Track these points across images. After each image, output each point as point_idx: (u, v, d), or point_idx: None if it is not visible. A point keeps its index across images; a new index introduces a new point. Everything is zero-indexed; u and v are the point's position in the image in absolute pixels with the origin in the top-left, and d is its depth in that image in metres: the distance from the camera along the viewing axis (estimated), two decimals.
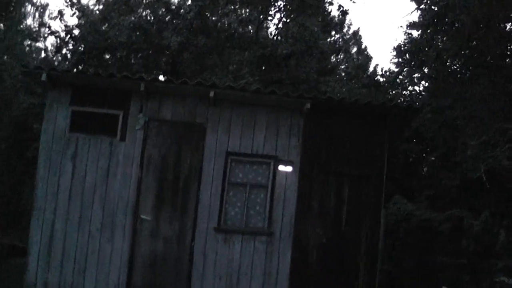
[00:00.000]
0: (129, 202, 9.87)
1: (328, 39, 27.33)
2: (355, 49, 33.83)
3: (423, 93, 23.72)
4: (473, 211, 14.43)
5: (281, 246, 9.99)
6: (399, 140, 15.97)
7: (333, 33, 29.71)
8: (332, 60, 27.62)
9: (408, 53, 24.71)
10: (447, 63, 19.25)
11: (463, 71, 18.03)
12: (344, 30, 31.84)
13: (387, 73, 27.22)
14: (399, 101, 21.11)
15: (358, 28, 41.79)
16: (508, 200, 15.48)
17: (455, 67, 20.18)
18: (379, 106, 10.23)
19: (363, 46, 34.20)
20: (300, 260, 10.01)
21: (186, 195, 9.96)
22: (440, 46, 18.79)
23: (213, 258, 9.86)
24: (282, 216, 10.06)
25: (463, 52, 17.18)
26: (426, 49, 21.98)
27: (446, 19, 17.22)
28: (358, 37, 33.84)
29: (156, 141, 10.04)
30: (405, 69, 25.44)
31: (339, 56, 28.74)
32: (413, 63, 24.80)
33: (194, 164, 10.04)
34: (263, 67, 22.14)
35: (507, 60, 17.60)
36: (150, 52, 21.12)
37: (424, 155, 22.35)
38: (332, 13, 26.71)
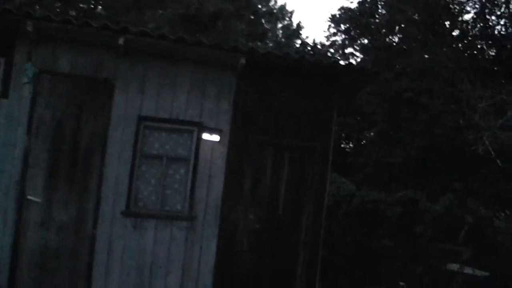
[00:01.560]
0: (12, 179, 8.21)
1: None
2: (286, 20, 33.24)
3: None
4: (426, 192, 13.78)
5: (204, 234, 8.73)
6: (347, 110, 15.14)
7: None
8: (263, 23, 26.53)
9: (345, 22, 24.23)
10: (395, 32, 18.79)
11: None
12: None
13: (320, 44, 26.74)
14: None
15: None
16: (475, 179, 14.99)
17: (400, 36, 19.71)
18: (329, 66, 9.07)
19: (294, 16, 33.68)
20: (227, 250, 8.78)
21: (87, 170, 8.42)
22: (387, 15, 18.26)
23: (120, 249, 8.44)
24: (207, 197, 8.78)
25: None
26: (369, 19, 21.48)
27: None
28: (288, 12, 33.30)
29: (49, 100, 8.37)
30: (340, 39, 24.99)
31: (271, 20, 27.67)
32: (352, 32, 24.33)
33: (98, 130, 8.49)
34: (187, 28, 20.78)
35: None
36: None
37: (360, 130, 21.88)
38: None
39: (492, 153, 12.02)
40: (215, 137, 8.81)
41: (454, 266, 11.90)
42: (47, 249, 8.29)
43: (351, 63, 9.20)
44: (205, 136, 8.79)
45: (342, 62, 9.57)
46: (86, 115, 8.48)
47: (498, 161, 12.30)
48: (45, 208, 8.28)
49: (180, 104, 8.79)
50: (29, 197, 8.21)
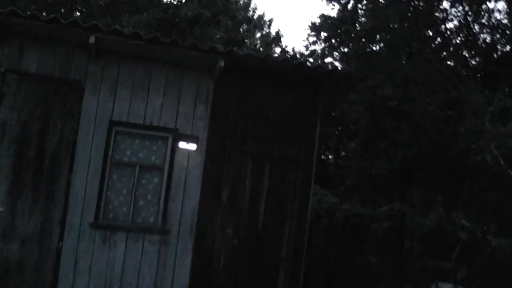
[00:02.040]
0: None
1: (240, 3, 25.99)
2: (265, 29, 32.97)
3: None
4: (413, 206, 13.43)
5: (179, 249, 8.28)
6: (327, 119, 14.82)
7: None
8: (241, 31, 26.18)
9: (325, 29, 24.02)
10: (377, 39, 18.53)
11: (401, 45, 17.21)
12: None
13: (300, 54, 26.50)
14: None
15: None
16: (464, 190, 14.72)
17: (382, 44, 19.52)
18: (313, 70, 8.68)
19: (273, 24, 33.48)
20: (203, 267, 8.33)
21: (53, 178, 7.94)
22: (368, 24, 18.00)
23: (88, 264, 7.95)
24: (182, 209, 8.34)
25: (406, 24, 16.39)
26: (350, 26, 21.29)
27: None
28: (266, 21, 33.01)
29: (15, 102, 7.91)
30: (320, 49, 24.80)
31: (250, 28, 27.32)
32: (332, 40, 24.13)
33: (66, 135, 8.03)
34: (164, 33, 20.41)
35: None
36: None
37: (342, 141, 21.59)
38: None
39: (502, 161, 11.70)
40: (192, 145, 8.39)
41: (447, 286, 11.58)
42: (9, 262, 7.79)
43: (336, 67, 8.90)
44: (181, 144, 8.37)
45: (326, 67, 9.28)
46: (54, 119, 8.02)
47: (510, 171, 11.99)
48: (7, 218, 7.79)
49: (154, 109, 8.37)
50: None
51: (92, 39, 7.71)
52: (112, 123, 8.20)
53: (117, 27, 8.15)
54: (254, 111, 8.71)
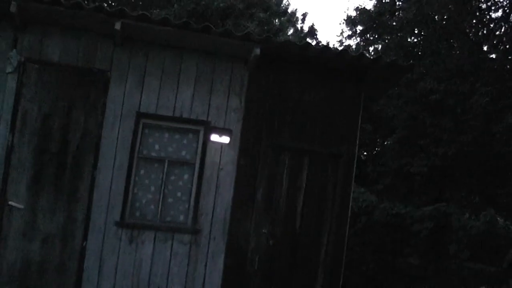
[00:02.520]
0: None
1: None
2: (299, 23, 32.21)
3: None
4: (458, 206, 12.61)
5: (210, 250, 7.71)
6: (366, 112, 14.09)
7: None
8: (275, 23, 25.52)
9: (362, 23, 23.30)
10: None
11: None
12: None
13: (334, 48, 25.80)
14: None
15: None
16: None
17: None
18: (356, 59, 7.91)
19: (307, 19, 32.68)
20: (236, 269, 7.76)
21: (77, 173, 7.43)
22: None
23: (113, 265, 7.45)
24: (214, 208, 7.78)
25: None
26: (388, 18, 20.56)
27: None
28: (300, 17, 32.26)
29: (36, 93, 7.41)
30: (355, 43, 24.09)
31: (283, 20, 26.59)
32: (368, 35, 23.41)
33: (91, 128, 7.51)
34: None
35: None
36: None
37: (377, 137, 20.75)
38: None
39: None
40: (225, 139, 7.81)
41: None
42: (30, 263, 7.32)
43: (380, 56, 8.20)
44: (213, 137, 7.80)
45: (370, 55, 8.61)
46: (77, 111, 7.49)
47: None
48: (28, 216, 7.31)
49: (185, 100, 7.79)
50: (10, 202, 7.25)
51: (118, 26, 7.12)
52: (140, 115, 7.65)
53: (145, 12, 7.60)
54: (291, 104, 8.06)
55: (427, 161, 14.63)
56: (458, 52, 14.84)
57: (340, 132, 8.19)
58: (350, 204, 8.23)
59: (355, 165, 8.25)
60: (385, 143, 18.25)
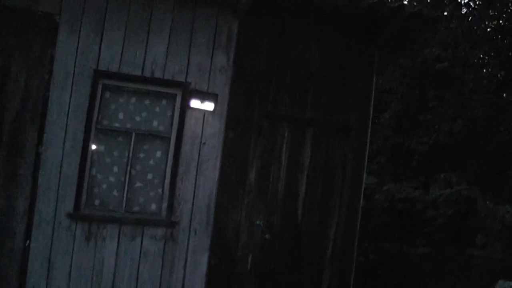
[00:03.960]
0: None
1: None
2: None
3: None
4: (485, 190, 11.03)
5: (190, 247, 6.00)
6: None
7: None
8: None
9: None
10: None
11: None
12: None
13: None
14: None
15: None
16: None
17: None
18: (374, 8, 6.09)
19: None
20: (224, 271, 6.07)
21: (16, 150, 5.62)
22: None
23: (66, 269, 5.68)
24: (194, 193, 6.04)
25: None
26: None
27: None
28: None
29: None
30: None
31: None
32: None
33: (34, 91, 5.67)
34: None
35: None
36: None
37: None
38: None
39: None
40: (208, 105, 6.03)
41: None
42: None
43: (403, 5, 6.60)
44: (194, 103, 6.00)
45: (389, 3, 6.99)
46: (16, 67, 5.64)
47: None
48: None
49: (157, 55, 5.99)
50: None
51: None
52: (98, 75, 5.84)
53: None
54: (291, 63, 6.36)
55: (428, 138, 13.05)
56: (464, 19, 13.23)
57: (350, 99, 6.51)
58: (363, 188, 6.68)
59: (368, 139, 6.65)
60: (379, 118, 16.37)
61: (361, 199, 6.53)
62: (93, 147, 5.89)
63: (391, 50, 7.05)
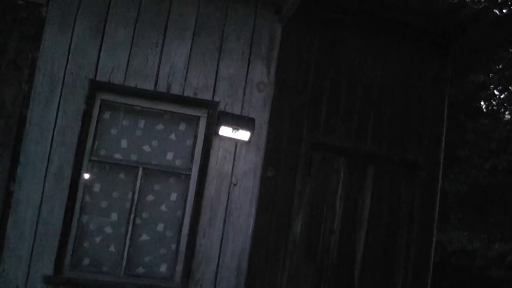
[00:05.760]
0: None
1: None
2: None
3: None
4: None
5: None
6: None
7: None
8: None
9: None
10: None
11: None
12: None
13: None
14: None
15: None
16: None
17: None
18: (454, 9, 4.65)
19: None
20: None
21: None
22: None
23: None
24: (220, 251, 4.40)
25: None
26: None
27: None
28: None
29: None
30: None
31: None
32: None
33: (7, 106, 4.09)
34: None
35: None
36: None
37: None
38: None
39: None
40: (242, 134, 4.44)
41: None
42: None
43: (488, 7, 5.22)
44: (223, 131, 4.42)
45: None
46: None
47: None
48: None
49: (176, 64, 4.45)
50: None
51: None
52: (96, 87, 4.28)
53: None
54: (346, 81, 4.82)
55: (467, 177, 11.36)
56: None
57: (419, 128, 4.96)
58: (434, 243, 5.14)
59: (440, 180, 5.17)
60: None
61: (432, 259, 5.00)
62: (85, 185, 4.26)
63: (465, 66, 5.62)
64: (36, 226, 4.09)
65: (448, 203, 11.58)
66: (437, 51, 5.17)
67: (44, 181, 4.12)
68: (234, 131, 4.44)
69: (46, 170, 4.13)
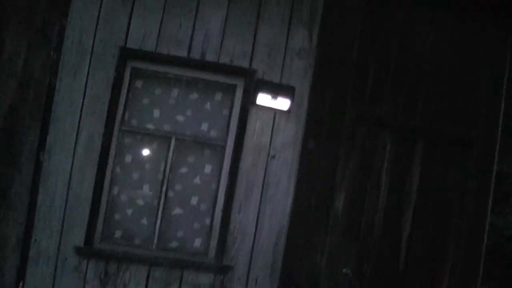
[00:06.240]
0: None
1: None
2: None
3: None
4: None
5: None
6: None
7: None
8: None
9: None
10: None
11: None
12: None
13: None
14: None
15: None
16: None
17: None
18: None
19: None
20: None
21: (8, 158, 4.02)
22: None
23: None
24: (257, 227, 4.25)
25: None
26: None
27: None
28: None
29: None
30: None
31: None
32: None
33: (35, 76, 4.06)
34: None
35: None
36: None
37: None
38: None
39: None
40: (281, 103, 4.22)
41: None
42: None
43: None
44: (261, 99, 4.21)
45: None
46: (10, 41, 4.03)
47: None
48: None
49: (211, 30, 4.25)
50: None
51: None
52: (127, 54, 4.16)
53: None
54: (396, 50, 4.50)
55: None
56: None
57: (473, 103, 4.61)
58: (487, 224, 4.82)
59: (496, 160, 4.83)
60: None
61: (484, 244, 4.68)
62: (116, 156, 4.17)
63: None
64: (67, 197, 4.07)
65: (507, 184, 11.05)
66: (497, 20, 4.71)
67: (74, 152, 4.05)
68: (272, 100, 4.18)
69: (76, 140, 4.05)
